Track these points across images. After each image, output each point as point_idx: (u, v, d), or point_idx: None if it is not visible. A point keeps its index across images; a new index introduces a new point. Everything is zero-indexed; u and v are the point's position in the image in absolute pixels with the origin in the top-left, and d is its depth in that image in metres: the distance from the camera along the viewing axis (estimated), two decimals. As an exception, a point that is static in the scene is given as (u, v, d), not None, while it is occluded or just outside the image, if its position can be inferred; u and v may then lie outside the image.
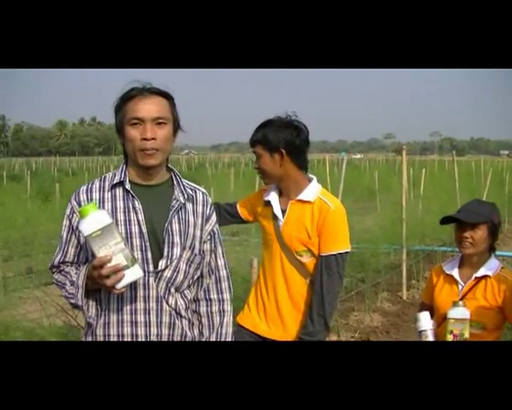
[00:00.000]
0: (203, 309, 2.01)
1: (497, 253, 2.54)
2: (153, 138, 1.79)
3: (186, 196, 1.91)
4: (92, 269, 1.71)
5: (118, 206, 1.84)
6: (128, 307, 1.82)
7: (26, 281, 6.91)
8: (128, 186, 1.85)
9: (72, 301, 1.84)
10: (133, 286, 1.80)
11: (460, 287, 2.43)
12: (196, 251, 1.92)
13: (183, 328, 1.91)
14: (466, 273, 2.44)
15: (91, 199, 1.85)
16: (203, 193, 2.00)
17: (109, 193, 1.86)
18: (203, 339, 2.00)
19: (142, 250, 1.82)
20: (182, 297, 1.91)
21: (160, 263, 1.84)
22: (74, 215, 1.86)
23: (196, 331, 1.99)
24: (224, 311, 2.03)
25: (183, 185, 1.93)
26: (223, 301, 2.03)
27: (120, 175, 1.88)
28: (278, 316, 2.50)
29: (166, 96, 1.86)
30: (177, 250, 1.86)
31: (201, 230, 1.94)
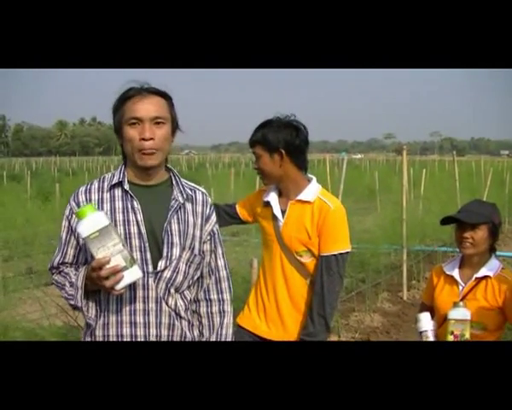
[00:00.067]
0: (203, 310, 2.00)
1: (498, 253, 2.54)
2: (151, 138, 1.79)
3: (185, 196, 1.91)
4: (91, 270, 1.70)
5: (116, 206, 1.83)
6: (127, 308, 1.82)
7: (26, 281, 6.92)
8: (127, 186, 1.85)
9: (72, 302, 1.84)
10: (132, 287, 1.79)
11: (460, 287, 2.43)
12: (196, 251, 1.92)
13: (182, 329, 1.90)
14: (466, 274, 2.44)
15: (90, 200, 1.84)
16: (202, 193, 1.99)
17: (108, 194, 1.86)
18: (203, 340, 1.99)
19: (141, 251, 1.81)
20: (181, 298, 1.90)
21: (160, 264, 1.83)
22: (73, 216, 1.85)
23: (196, 332, 1.99)
24: (224, 311, 2.02)
25: (182, 185, 1.93)
26: (223, 301, 2.02)
27: (119, 175, 1.87)
28: (278, 317, 2.49)
29: (165, 95, 1.86)
30: (176, 251, 1.85)
31: (201, 230, 1.94)
